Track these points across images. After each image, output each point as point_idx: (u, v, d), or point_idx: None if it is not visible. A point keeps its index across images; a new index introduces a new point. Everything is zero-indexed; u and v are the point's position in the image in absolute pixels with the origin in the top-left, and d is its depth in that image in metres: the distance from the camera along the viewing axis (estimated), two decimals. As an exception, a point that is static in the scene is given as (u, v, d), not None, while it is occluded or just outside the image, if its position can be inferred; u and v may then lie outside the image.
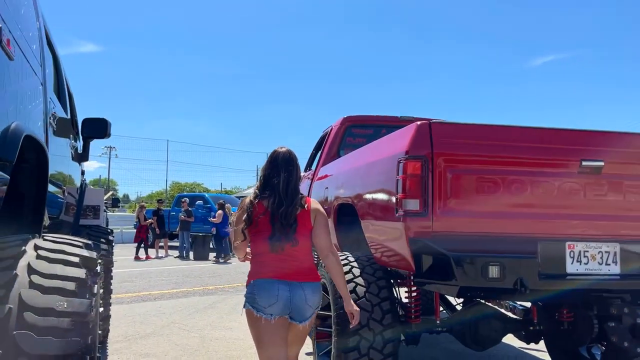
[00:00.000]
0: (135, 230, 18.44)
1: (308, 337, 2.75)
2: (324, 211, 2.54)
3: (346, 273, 3.01)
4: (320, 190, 4.47)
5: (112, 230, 4.82)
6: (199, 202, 17.30)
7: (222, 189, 39.08)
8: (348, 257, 3.19)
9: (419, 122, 2.40)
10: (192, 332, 5.24)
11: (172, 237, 18.45)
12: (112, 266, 4.44)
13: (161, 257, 14.64)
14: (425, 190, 2.32)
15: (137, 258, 13.97)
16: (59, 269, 1.74)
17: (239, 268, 11.60)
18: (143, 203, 16.34)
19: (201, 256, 14.04)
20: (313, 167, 5.36)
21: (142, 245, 14.56)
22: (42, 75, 2.30)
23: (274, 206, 2.40)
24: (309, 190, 4.87)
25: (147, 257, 14.22)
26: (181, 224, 14.92)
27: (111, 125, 4.05)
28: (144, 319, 5.88)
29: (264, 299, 2.37)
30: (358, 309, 2.51)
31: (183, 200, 15.84)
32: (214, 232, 14.06)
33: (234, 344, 4.78)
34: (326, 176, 4.30)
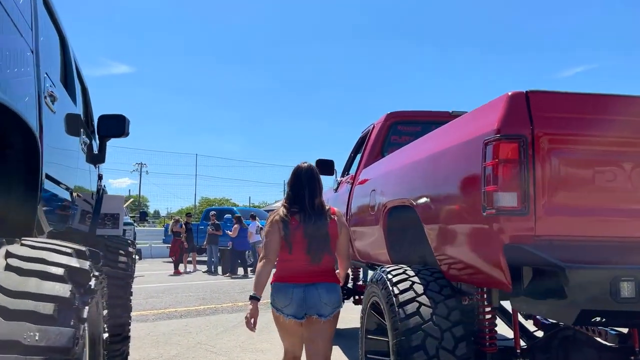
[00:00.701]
0: (165, 245, 18.27)
1: None
2: (344, 220, 2.88)
3: (405, 290, 2.46)
4: (363, 194, 3.92)
5: (133, 242, 4.36)
6: (228, 215, 16.92)
7: (250, 204, 38.89)
8: (406, 270, 2.63)
9: (511, 93, 1.83)
10: (219, 355, 4.72)
11: (201, 251, 18.15)
12: (132, 281, 3.98)
13: (189, 272, 14.26)
14: (525, 181, 1.74)
15: (177, 272, 13.67)
16: (33, 285, 1.25)
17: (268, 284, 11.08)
18: (177, 217, 16.11)
19: (230, 271, 13.58)
20: (352, 171, 4.82)
21: (177, 258, 14.24)
22: (33, 42, 1.85)
23: (305, 221, 2.71)
24: (349, 195, 4.32)
25: (176, 272, 13.86)
26: (209, 237, 14.55)
27: (129, 122, 3.61)
28: (169, 338, 5.39)
29: (281, 300, 2.76)
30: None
31: (212, 213, 15.49)
32: (230, 247, 13.68)
33: (267, 369, 4.23)
34: (370, 179, 3.75)
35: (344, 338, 5.54)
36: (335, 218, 2.76)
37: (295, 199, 2.78)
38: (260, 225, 14.63)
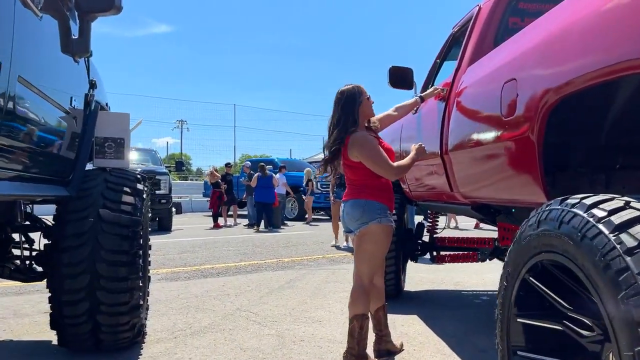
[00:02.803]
0: (205, 199, 17.51)
1: None
2: (362, 142, 2.68)
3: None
4: (478, 99, 2.58)
5: (146, 177, 3.21)
6: (269, 166, 15.84)
7: (292, 157, 37.87)
8: (631, 203, 1.31)
9: None
10: (264, 325, 3.60)
11: (242, 204, 17.31)
12: (143, 230, 2.84)
13: (230, 226, 13.40)
14: None
15: (216, 226, 12.85)
16: None
17: (315, 237, 10.02)
18: (215, 167, 15.18)
19: (274, 224, 12.60)
20: (442, 80, 3.46)
21: (215, 211, 13.39)
22: None
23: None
24: (445, 112, 2.97)
25: (216, 225, 13.03)
26: (247, 189, 13.56)
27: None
28: (202, 302, 4.33)
29: None
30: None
31: (244, 165, 14.49)
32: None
33: (328, 348, 3.08)
34: (496, 69, 2.37)
35: (422, 304, 4.33)
36: (347, 144, 2.71)
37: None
38: (281, 180, 13.54)
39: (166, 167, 13.20)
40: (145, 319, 3.23)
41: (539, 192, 1.99)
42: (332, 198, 9.23)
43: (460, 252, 4.50)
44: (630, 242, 1.18)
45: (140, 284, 2.84)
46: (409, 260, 4.74)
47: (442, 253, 4.63)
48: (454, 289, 5.11)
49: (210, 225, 13.01)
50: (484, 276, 5.69)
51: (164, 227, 11.48)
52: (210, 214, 14.14)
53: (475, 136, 2.55)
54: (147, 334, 3.26)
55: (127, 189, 2.86)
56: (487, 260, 4.17)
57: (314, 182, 14.00)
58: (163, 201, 11.24)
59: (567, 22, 1.75)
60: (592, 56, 1.53)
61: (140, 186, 2.95)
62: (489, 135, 2.34)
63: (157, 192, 11.12)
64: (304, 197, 14.42)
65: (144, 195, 2.99)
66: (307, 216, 14.52)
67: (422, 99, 3.38)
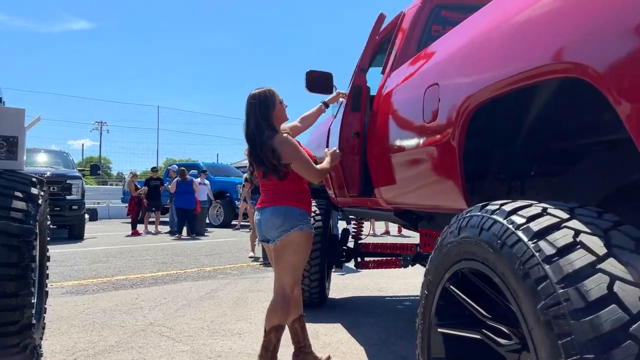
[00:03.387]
0: (124, 205, 16.56)
1: None
2: (289, 144, 2.61)
3: (568, 249, 1.14)
4: (401, 104, 2.54)
5: (43, 181, 2.88)
6: (193, 171, 15.28)
7: (219, 162, 36.96)
8: (548, 209, 1.29)
9: None
10: (179, 341, 3.36)
11: (165, 211, 16.57)
12: (36, 239, 2.52)
13: (152, 234, 12.74)
14: None
15: (135, 233, 12.11)
16: None
17: (241, 244, 9.75)
18: (135, 171, 14.28)
19: (197, 232, 12.13)
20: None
21: (134, 217, 12.66)
22: None
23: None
24: (377, 108, 2.91)
25: (134, 233, 12.33)
26: (170, 195, 12.99)
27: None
28: (110, 318, 3.99)
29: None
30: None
31: (170, 168, 13.90)
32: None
33: (248, 364, 2.91)
34: (419, 73, 2.34)
35: (346, 311, 4.28)
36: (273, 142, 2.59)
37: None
38: (202, 182, 13.19)
39: (80, 170, 12.29)
40: (41, 339, 2.89)
41: (460, 198, 1.97)
42: (248, 205, 8.86)
43: (384, 258, 4.51)
44: (548, 250, 1.15)
45: (34, 300, 2.52)
46: (334, 267, 4.68)
47: (367, 259, 4.62)
48: (378, 295, 5.12)
49: (128, 233, 12.29)
50: (407, 281, 5.76)
51: (75, 235, 10.66)
52: (129, 220, 13.37)
53: (397, 141, 2.52)
54: (42, 355, 2.91)
55: (19, 194, 2.53)
56: (410, 266, 4.20)
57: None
58: (74, 207, 10.43)
59: (486, 29, 1.74)
60: (509, 63, 1.52)
61: (34, 190, 2.63)
62: (412, 140, 2.31)
63: (68, 197, 10.32)
64: (237, 202, 13.88)
65: (39, 201, 2.67)
66: (236, 222, 14.09)
67: (326, 105, 3.36)
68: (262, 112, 2.61)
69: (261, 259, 7.43)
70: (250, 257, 7.84)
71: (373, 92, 3.12)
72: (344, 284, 5.59)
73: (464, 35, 1.92)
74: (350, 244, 4.68)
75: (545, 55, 1.35)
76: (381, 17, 3.18)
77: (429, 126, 2.09)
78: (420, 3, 2.96)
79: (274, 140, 2.55)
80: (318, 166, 2.69)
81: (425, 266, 4.09)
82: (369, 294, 5.17)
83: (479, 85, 1.70)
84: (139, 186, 13.20)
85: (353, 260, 4.64)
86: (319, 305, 4.34)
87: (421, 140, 2.19)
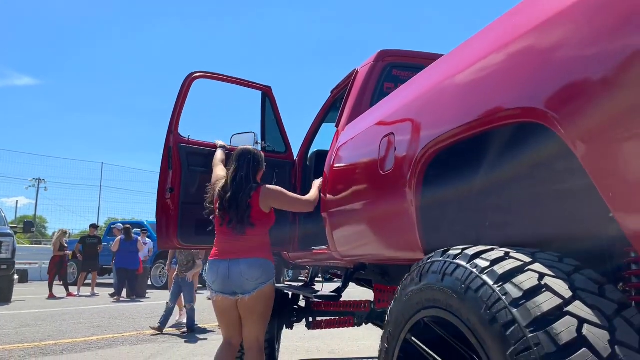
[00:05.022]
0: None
1: None
2: (276, 189, 2.87)
3: (534, 291, 1.12)
4: (357, 154, 2.55)
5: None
6: (136, 229, 14.65)
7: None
8: (510, 254, 1.28)
9: None
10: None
11: (104, 272, 15.62)
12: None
13: (89, 296, 11.88)
14: None
15: (51, 296, 11.16)
16: None
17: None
18: (65, 229, 13.33)
19: (137, 293, 11.44)
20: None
21: (59, 281, 11.78)
22: None
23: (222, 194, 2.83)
24: (332, 161, 2.90)
25: (69, 295, 11.46)
26: (113, 254, 12.30)
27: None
28: (34, 388, 3.57)
29: (209, 276, 2.78)
30: None
31: (114, 227, 13.28)
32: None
33: None
34: (375, 124, 2.37)
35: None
36: (260, 192, 2.81)
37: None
38: (144, 241, 12.66)
39: (12, 227, 11.48)
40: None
41: (417, 248, 1.94)
42: (167, 266, 8.04)
43: (337, 318, 4.36)
44: (515, 293, 1.12)
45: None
46: (285, 328, 4.47)
47: (318, 319, 4.44)
48: (330, 357, 4.91)
49: (63, 295, 11.40)
50: (360, 343, 5.58)
51: (2, 297, 9.77)
52: (59, 282, 12.38)
53: (353, 193, 2.50)
54: None
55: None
56: (363, 324, 4.07)
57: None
58: (3, 267, 9.64)
59: (442, 79, 1.80)
60: (466, 110, 1.55)
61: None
62: (368, 190, 2.30)
63: (-3, 255, 9.55)
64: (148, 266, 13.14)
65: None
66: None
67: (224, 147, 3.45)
68: (254, 168, 2.90)
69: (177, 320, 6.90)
70: (177, 321, 6.97)
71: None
72: (295, 347, 5.34)
73: (420, 86, 1.98)
74: (302, 303, 4.51)
75: (500, 103, 1.39)
76: (189, 79, 3.44)
77: (386, 175, 2.09)
78: (373, 61, 3.07)
79: (262, 190, 2.81)
80: (307, 197, 2.90)
81: (379, 325, 3.98)
82: (319, 357, 4.95)
83: (436, 133, 1.72)
84: (66, 246, 12.34)
85: (305, 320, 4.45)
86: (268, 369, 4.08)
87: (378, 190, 2.18)
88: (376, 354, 4.05)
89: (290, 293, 4.57)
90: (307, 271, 4.70)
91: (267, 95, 3.82)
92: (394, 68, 3.09)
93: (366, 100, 2.97)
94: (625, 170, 1.03)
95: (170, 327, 6.62)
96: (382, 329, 1.73)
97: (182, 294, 6.57)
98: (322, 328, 4.41)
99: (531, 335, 1.04)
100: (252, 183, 2.82)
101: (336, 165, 2.80)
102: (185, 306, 6.52)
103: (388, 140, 2.10)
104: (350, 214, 2.53)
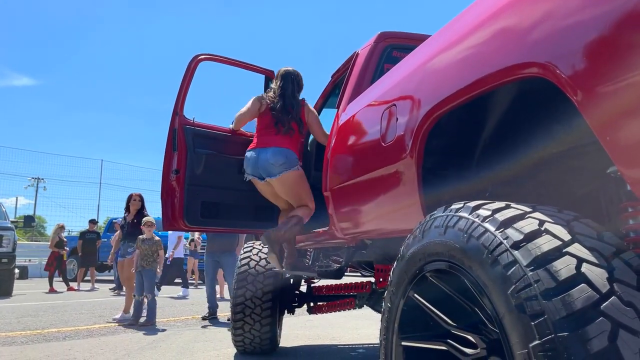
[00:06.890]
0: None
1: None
2: (313, 109, 3.54)
3: (531, 234, 1.15)
4: (360, 130, 2.59)
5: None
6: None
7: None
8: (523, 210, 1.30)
9: None
10: (117, 390, 3.06)
11: (104, 268, 15.64)
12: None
13: (89, 290, 11.90)
14: None
15: (51, 290, 11.18)
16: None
17: (185, 299, 9.27)
18: (62, 224, 13.17)
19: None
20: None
21: (59, 275, 11.80)
22: None
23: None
24: (331, 142, 2.95)
25: (70, 289, 11.49)
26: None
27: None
28: (38, 369, 3.60)
29: (245, 162, 3.31)
30: None
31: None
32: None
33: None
34: (375, 99, 2.40)
35: (298, 358, 4.07)
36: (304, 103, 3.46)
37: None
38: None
39: (13, 222, 11.50)
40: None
41: (421, 218, 1.97)
42: (111, 256, 7.99)
43: (338, 301, 4.39)
44: (516, 236, 1.15)
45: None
46: (286, 312, 4.50)
47: (320, 303, 4.48)
48: (331, 344, 4.95)
49: (63, 290, 11.42)
50: (360, 331, 5.62)
51: (3, 290, 9.80)
52: (61, 279, 12.40)
53: (357, 168, 2.53)
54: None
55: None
56: (365, 305, 4.11)
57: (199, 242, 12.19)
58: (4, 260, 9.66)
59: (439, 48, 1.83)
60: (468, 70, 1.58)
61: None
62: (371, 164, 2.32)
63: (-2, 249, 9.58)
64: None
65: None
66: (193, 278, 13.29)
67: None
68: (298, 85, 3.48)
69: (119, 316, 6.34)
70: (114, 319, 6.34)
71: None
72: (295, 334, 5.37)
73: (421, 56, 2.01)
74: (303, 288, 4.55)
75: (506, 58, 1.41)
76: (194, 61, 3.56)
77: (388, 147, 2.12)
78: (374, 43, 3.10)
79: (304, 106, 3.43)
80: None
81: (379, 311, 4.01)
82: (321, 343, 4.99)
83: (434, 99, 1.75)
84: (65, 241, 12.31)
85: (306, 305, 4.49)
86: (270, 352, 4.12)
87: (381, 163, 2.21)
88: (377, 342, 4.07)
89: (291, 278, 4.60)
90: (307, 258, 4.72)
91: (270, 80, 3.86)
92: (395, 50, 3.12)
93: (367, 81, 3.00)
94: (630, 122, 1.04)
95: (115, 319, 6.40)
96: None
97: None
98: (323, 312, 4.44)
99: (531, 273, 1.07)
100: (298, 97, 3.43)
101: (338, 143, 2.83)
102: (146, 296, 6.07)
103: (389, 112, 2.14)
104: (353, 189, 2.56)
